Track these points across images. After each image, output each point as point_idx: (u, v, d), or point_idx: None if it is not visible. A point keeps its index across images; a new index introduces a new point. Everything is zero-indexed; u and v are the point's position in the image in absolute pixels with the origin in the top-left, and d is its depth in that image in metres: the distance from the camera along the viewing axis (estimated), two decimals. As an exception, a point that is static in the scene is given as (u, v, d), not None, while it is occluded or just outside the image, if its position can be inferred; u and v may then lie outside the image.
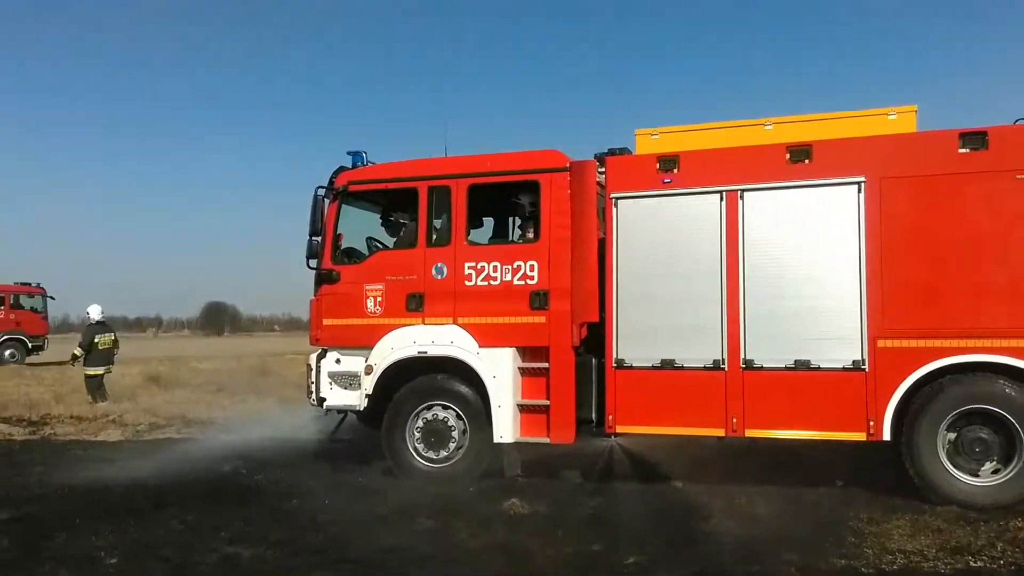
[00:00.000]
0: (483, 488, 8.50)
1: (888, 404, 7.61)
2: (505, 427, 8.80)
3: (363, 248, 9.88)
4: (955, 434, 7.57)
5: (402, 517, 7.39)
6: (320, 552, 6.36)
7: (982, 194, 7.45)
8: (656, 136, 8.59)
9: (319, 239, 9.48)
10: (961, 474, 7.52)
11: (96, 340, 16.58)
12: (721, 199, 8.16)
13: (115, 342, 17.23)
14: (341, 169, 9.78)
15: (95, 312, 16.93)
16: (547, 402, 8.79)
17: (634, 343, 8.47)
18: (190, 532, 7.01)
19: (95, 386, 16.55)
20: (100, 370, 16.66)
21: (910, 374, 7.56)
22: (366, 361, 9.32)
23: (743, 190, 8.09)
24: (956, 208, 7.54)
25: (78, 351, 16.73)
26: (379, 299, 9.38)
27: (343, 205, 9.71)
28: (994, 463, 7.48)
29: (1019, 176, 7.34)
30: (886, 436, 7.61)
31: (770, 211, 8.04)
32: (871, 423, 7.63)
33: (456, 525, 7.03)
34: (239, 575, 5.94)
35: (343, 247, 9.85)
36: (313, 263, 9.56)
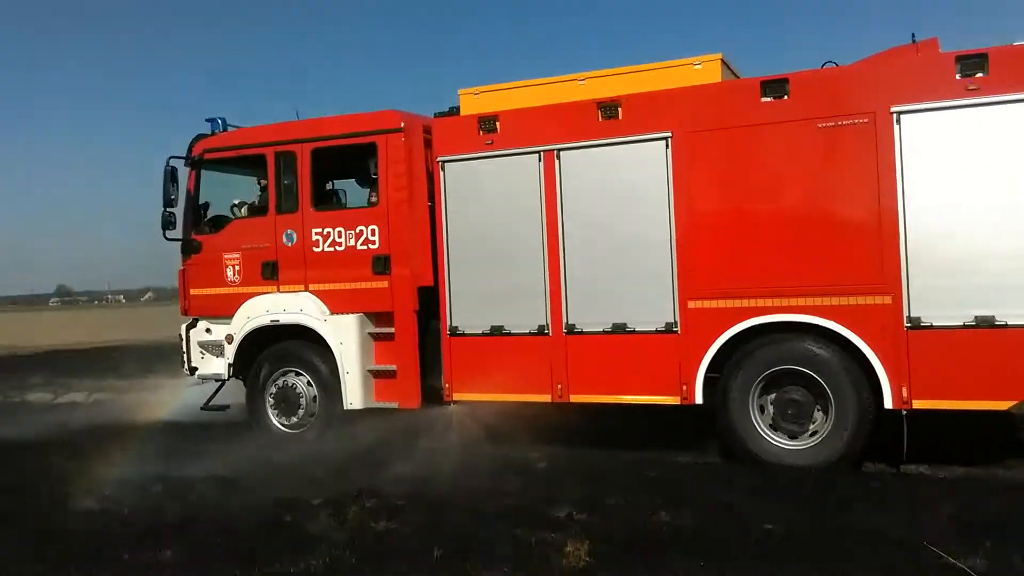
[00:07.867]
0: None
1: (699, 367, 7.36)
2: (355, 393, 8.82)
3: (230, 215, 9.88)
4: (771, 396, 7.32)
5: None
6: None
7: (785, 145, 7.01)
8: (477, 95, 8.28)
9: (171, 210, 9.49)
10: (776, 436, 7.29)
11: None
12: (539, 159, 7.89)
13: None
14: (199, 137, 9.74)
15: None
16: (394, 367, 8.78)
17: (466, 309, 8.34)
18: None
19: None
20: None
21: (719, 336, 7.29)
22: (227, 330, 9.44)
23: (559, 150, 7.80)
24: (760, 161, 7.11)
25: None
26: (237, 268, 9.42)
27: (202, 172, 9.70)
28: (811, 425, 7.21)
29: (821, 125, 6.88)
30: (698, 400, 7.39)
31: (586, 170, 7.74)
32: (684, 387, 7.42)
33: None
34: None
35: (211, 215, 9.89)
36: (171, 234, 9.60)
